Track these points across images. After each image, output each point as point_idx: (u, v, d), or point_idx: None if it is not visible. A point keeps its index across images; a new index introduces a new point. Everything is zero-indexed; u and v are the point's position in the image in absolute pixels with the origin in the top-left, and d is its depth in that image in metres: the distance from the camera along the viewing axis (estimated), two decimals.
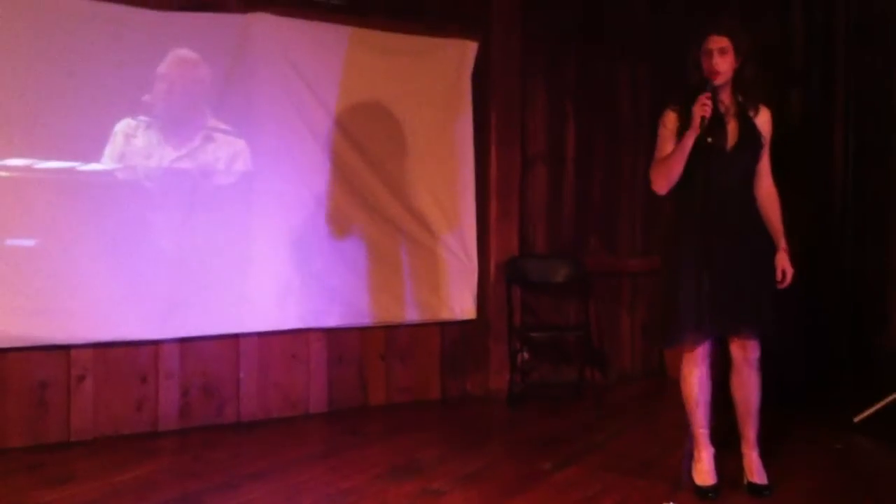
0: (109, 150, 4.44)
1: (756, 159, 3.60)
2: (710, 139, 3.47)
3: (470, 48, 5.42)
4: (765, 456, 3.72)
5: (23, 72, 4.19)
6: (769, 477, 3.65)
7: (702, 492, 3.59)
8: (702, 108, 3.40)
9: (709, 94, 3.43)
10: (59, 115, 4.27)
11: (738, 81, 3.56)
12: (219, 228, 4.68)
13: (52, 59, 4.24)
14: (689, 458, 3.77)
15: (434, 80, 5.31)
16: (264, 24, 4.77)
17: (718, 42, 3.47)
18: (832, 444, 4.43)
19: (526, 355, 5.56)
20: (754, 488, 3.62)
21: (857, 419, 4.72)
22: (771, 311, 3.55)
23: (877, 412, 4.72)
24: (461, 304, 5.44)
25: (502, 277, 5.46)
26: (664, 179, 3.56)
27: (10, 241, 4.19)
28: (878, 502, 3.66)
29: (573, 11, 5.80)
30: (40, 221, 4.26)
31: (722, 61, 3.47)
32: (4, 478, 3.80)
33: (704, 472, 3.63)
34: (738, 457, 3.72)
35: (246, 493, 3.61)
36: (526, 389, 5.47)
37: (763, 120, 3.59)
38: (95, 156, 4.40)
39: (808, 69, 6.13)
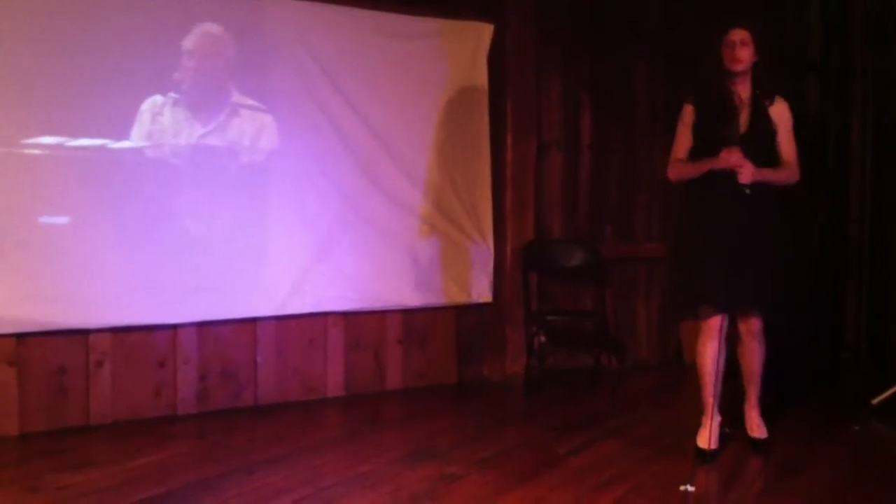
0: (137, 130, 4.43)
1: (767, 146, 3.80)
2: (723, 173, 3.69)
3: (486, 30, 5.39)
4: (783, 444, 3.86)
5: (42, 54, 4.16)
6: (769, 432, 4.04)
7: (701, 453, 3.85)
8: (726, 163, 3.66)
9: (740, 155, 3.64)
10: (81, 97, 4.26)
11: (756, 75, 3.79)
12: (236, 213, 4.69)
13: (71, 41, 4.22)
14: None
15: (450, 64, 5.29)
16: (279, 6, 4.75)
17: (740, 34, 3.75)
18: (850, 427, 4.44)
19: (543, 338, 5.55)
20: (755, 442, 4.02)
21: (874, 401, 4.75)
22: (772, 288, 3.83)
23: (894, 396, 4.73)
24: (478, 288, 5.44)
25: (518, 264, 5.44)
26: (678, 177, 3.95)
27: (28, 227, 4.20)
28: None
29: (588, 2, 5.75)
30: (58, 208, 4.27)
31: (743, 51, 3.74)
32: (24, 462, 3.83)
33: (707, 436, 3.88)
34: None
35: (263, 477, 3.62)
36: (542, 375, 5.46)
37: (779, 110, 3.84)
38: (121, 137, 4.39)
39: (824, 63, 6.10)
